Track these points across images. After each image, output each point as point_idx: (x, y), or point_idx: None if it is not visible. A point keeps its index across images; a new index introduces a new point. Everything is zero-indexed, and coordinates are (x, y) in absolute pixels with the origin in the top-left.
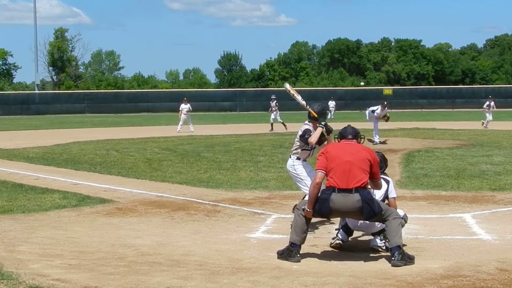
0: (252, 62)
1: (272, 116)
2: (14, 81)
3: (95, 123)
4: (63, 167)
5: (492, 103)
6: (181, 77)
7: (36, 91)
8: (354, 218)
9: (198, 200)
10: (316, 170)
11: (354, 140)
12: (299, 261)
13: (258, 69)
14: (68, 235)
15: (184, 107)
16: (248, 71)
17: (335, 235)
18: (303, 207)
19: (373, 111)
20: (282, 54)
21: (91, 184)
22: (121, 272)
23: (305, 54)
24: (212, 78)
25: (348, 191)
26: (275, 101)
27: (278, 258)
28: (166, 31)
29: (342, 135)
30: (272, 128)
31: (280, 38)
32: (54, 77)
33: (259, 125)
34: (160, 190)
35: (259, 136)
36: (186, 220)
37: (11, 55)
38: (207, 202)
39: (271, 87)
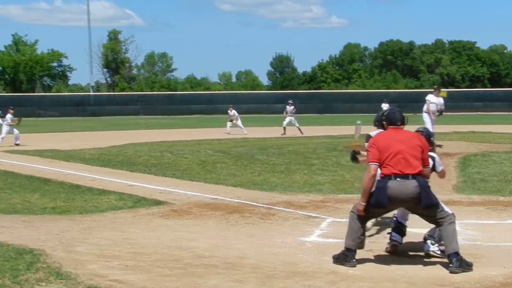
0: (304, 64)
1: (287, 120)
2: (70, 82)
3: (149, 125)
4: (118, 168)
5: None
6: (234, 79)
7: (91, 93)
8: (411, 208)
9: (253, 203)
10: (369, 162)
11: (402, 126)
12: (355, 266)
13: (310, 71)
14: (125, 236)
15: (232, 114)
16: (300, 73)
17: (388, 240)
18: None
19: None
20: (334, 56)
21: (146, 185)
22: (177, 274)
23: (357, 55)
24: (264, 80)
25: (405, 177)
26: (292, 106)
27: (333, 262)
28: (217, 32)
29: (391, 121)
30: (284, 132)
31: (332, 40)
32: (108, 79)
33: (312, 128)
34: (214, 193)
35: (312, 138)
36: (241, 223)
37: (66, 57)
38: (261, 205)
39: (323, 89)
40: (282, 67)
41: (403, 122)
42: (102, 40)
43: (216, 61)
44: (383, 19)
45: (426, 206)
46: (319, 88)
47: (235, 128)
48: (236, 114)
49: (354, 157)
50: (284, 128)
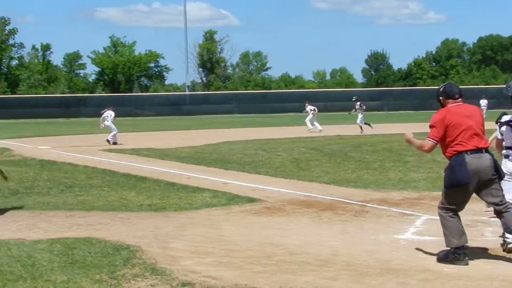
0: (399, 60)
1: (360, 117)
2: (166, 82)
3: (243, 123)
4: (213, 166)
5: None
6: (328, 77)
7: (187, 92)
8: (490, 181)
9: (346, 200)
10: (428, 138)
11: (461, 99)
12: (467, 264)
13: (405, 68)
14: (218, 233)
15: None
16: (396, 70)
17: (502, 240)
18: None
19: None
20: (431, 52)
21: (240, 183)
22: (270, 270)
23: (455, 51)
24: (359, 77)
25: (479, 151)
26: (359, 102)
27: (438, 262)
28: (312, 30)
29: (448, 94)
30: (362, 130)
31: (429, 36)
32: (204, 78)
33: (407, 125)
34: (307, 190)
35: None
36: (334, 220)
37: (163, 58)
38: (355, 202)
39: (419, 86)
40: (377, 64)
41: (461, 95)
42: (198, 40)
43: (310, 59)
44: (482, 14)
45: (502, 178)
46: (415, 85)
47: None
48: (312, 108)
49: None
50: (360, 126)
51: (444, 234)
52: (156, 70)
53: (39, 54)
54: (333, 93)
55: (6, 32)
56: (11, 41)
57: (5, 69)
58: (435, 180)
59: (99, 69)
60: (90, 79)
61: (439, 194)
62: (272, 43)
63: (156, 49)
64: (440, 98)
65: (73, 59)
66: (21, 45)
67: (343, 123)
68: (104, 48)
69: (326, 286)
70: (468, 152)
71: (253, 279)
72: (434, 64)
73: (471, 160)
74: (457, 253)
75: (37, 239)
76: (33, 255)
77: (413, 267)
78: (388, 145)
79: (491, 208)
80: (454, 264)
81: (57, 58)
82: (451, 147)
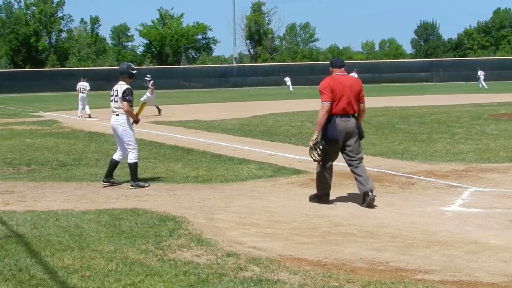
0: (449, 31)
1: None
2: (213, 54)
3: (289, 95)
4: (259, 138)
5: None
6: (377, 48)
7: (234, 64)
8: (352, 139)
9: (392, 172)
10: (324, 101)
11: (343, 68)
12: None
13: (455, 38)
14: (264, 205)
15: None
16: (445, 40)
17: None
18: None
19: None
20: (482, 22)
21: (286, 155)
22: (315, 242)
23: (507, 21)
24: (408, 48)
25: (347, 115)
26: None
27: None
28: (361, 1)
29: (335, 65)
30: None
31: (481, 5)
32: (251, 50)
33: (457, 96)
34: None
35: (456, 107)
36: (380, 192)
37: (211, 29)
38: (401, 174)
39: (469, 57)
40: (427, 34)
41: (343, 66)
42: (245, 12)
43: (359, 30)
44: None
45: (362, 137)
46: (465, 55)
47: None
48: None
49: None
50: None
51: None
52: (204, 42)
53: (88, 27)
54: (382, 64)
55: (54, 4)
56: (59, 14)
57: (54, 42)
58: (484, 152)
59: (147, 41)
60: (138, 52)
61: (488, 166)
62: (320, 14)
63: (203, 21)
64: (330, 68)
65: (120, 32)
66: (70, 18)
67: (394, 94)
68: (152, 21)
69: (371, 257)
70: (339, 116)
71: (298, 250)
72: (484, 34)
73: (340, 122)
74: (322, 198)
75: (85, 210)
76: (81, 226)
77: (459, 239)
78: (436, 117)
79: None
80: (319, 203)
81: (104, 31)
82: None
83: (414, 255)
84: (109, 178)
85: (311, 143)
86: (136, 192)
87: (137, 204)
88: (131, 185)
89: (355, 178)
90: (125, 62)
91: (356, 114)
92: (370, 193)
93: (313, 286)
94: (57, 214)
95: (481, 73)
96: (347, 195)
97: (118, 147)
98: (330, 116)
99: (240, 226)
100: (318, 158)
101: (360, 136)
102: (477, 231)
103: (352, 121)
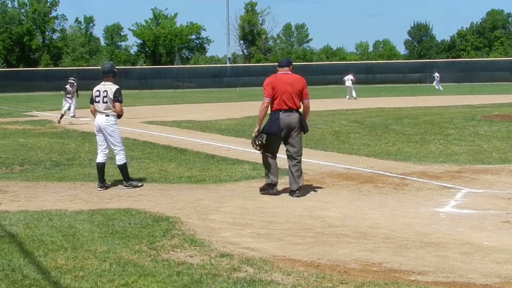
0: (442, 32)
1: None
2: (207, 55)
3: None
4: None
5: None
6: (371, 49)
7: (228, 64)
8: (294, 132)
9: (386, 173)
10: (265, 97)
11: (287, 68)
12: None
13: (448, 40)
14: (258, 205)
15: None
16: (439, 41)
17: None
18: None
19: None
20: (475, 23)
21: (279, 155)
22: (308, 242)
23: (500, 22)
24: (401, 49)
25: (291, 111)
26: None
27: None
28: (355, 2)
29: (279, 65)
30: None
31: (473, 7)
32: (245, 50)
33: (450, 97)
34: (347, 163)
35: (449, 108)
36: (373, 193)
37: (204, 29)
38: (395, 175)
39: (463, 58)
40: (420, 35)
41: (288, 66)
42: (239, 12)
43: (353, 31)
44: None
45: (305, 131)
46: (458, 57)
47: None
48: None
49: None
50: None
51: (265, 171)
52: (197, 42)
53: (82, 27)
54: (376, 65)
55: (48, 4)
56: (53, 13)
57: (48, 42)
58: (477, 153)
59: (141, 41)
60: (131, 52)
61: (481, 167)
62: (313, 15)
63: (197, 21)
64: (277, 67)
65: (114, 32)
66: (64, 18)
67: (387, 95)
68: (146, 21)
69: (365, 258)
70: (283, 111)
71: (291, 251)
72: (478, 35)
73: (283, 117)
74: (271, 188)
75: (78, 210)
76: (74, 226)
77: (453, 240)
78: (430, 118)
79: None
80: (268, 194)
81: (98, 31)
82: (273, 104)
83: (407, 256)
84: (104, 183)
85: (253, 134)
86: (130, 192)
87: (131, 204)
88: (125, 185)
89: (289, 173)
90: (107, 62)
91: (300, 110)
92: (296, 192)
93: (307, 287)
94: (50, 214)
95: (436, 75)
96: (340, 196)
97: (99, 148)
98: (275, 111)
99: (234, 226)
100: (259, 149)
101: (304, 130)
102: (470, 232)
103: (295, 116)
